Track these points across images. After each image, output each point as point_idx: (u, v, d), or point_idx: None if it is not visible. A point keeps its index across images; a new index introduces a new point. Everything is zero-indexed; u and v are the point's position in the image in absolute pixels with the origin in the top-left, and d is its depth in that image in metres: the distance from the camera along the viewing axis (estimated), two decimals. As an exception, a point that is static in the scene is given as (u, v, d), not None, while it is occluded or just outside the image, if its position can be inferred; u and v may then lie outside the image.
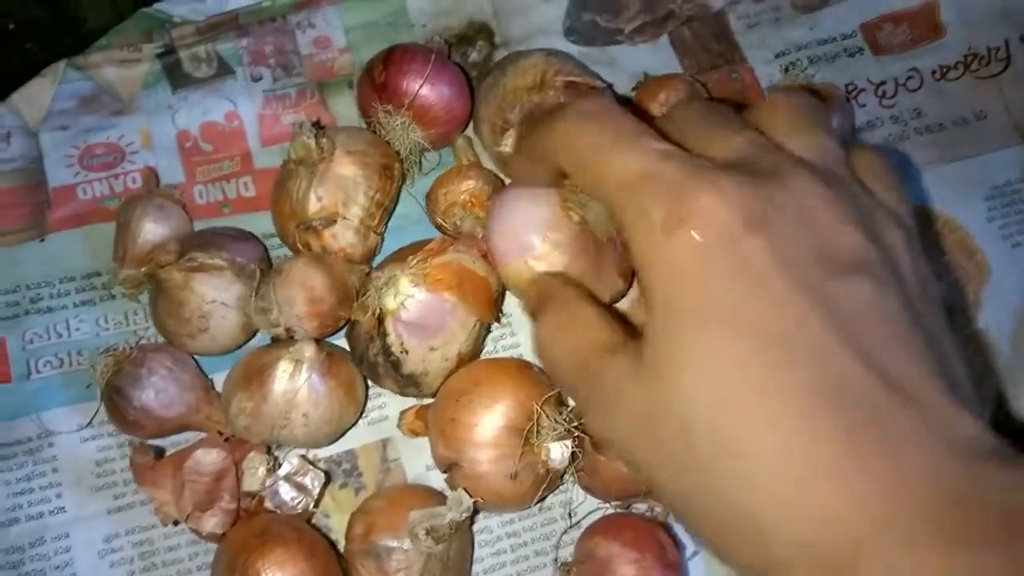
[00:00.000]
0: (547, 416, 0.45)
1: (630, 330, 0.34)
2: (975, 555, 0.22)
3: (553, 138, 0.36)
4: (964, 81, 0.63)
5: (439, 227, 0.53)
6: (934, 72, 0.63)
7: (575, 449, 0.45)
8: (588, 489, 0.49)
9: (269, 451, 0.47)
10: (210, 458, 0.44)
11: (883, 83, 0.62)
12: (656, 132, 0.33)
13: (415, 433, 0.50)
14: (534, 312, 0.39)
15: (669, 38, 0.63)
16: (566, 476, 0.48)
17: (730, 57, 0.63)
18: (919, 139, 0.61)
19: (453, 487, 0.46)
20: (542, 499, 0.48)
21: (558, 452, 0.45)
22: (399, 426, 0.51)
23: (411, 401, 0.51)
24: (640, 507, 0.49)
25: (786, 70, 0.62)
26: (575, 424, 0.45)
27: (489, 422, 0.45)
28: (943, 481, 0.24)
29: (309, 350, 0.45)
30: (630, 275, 0.47)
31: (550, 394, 0.45)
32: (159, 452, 0.48)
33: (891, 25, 0.64)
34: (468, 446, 0.45)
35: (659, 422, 0.29)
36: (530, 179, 0.43)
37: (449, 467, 0.46)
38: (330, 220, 0.49)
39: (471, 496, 0.44)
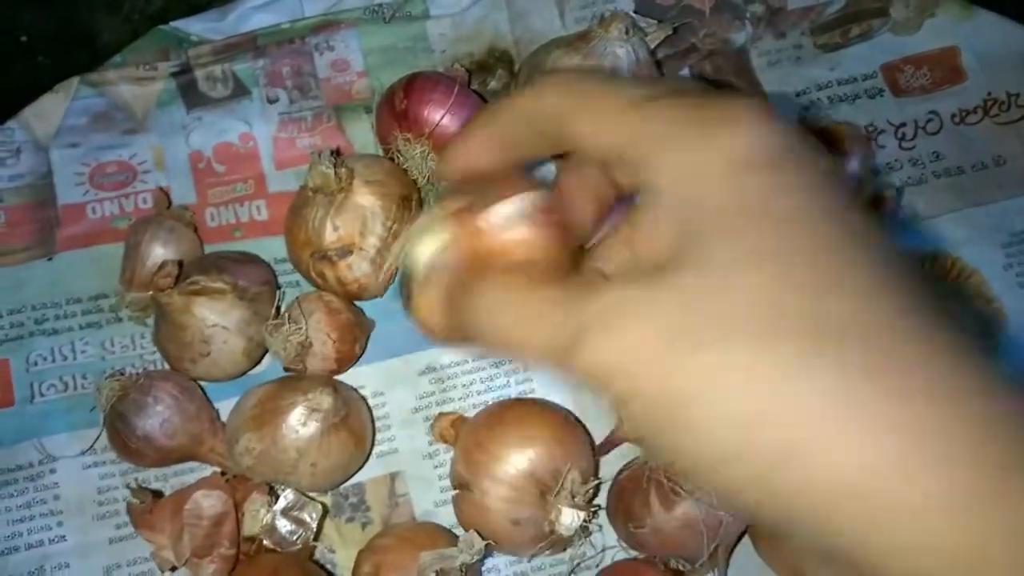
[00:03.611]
0: (573, 480, 0.44)
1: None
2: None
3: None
4: (983, 126, 0.62)
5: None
6: (954, 116, 0.62)
7: (586, 522, 0.44)
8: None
9: (271, 490, 0.46)
10: (210, 501, 0.43)
11: (903, 125, 0.62)
12: None
13: (444, 440, 0.49)
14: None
15: (690, 72, 0.63)
16: (571, 545, 0.47)
17: (750, 94, 0.62)
18: (937, 182, 0.61)
19: (457, 508, 0.45)
20: (550, 549, 0.47)
21: (568, 518, 0.44)
22: (432, 428, 0.50)
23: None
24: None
25: (806, 109, 0.61)
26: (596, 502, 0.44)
27: (515, 462, 0.44)
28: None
29: (327, 401, 0.44)
30: None
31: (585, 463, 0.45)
32: (157, 493, 0.47)
33: (912, 67, 0.63)
34: (485, 475, 0.44)
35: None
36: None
37: (460, 486, 0.46)
38: (346, 251, 0.49)
39: (480, 535, 0.43)
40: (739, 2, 0.64)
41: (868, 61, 0.63)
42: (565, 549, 0.47)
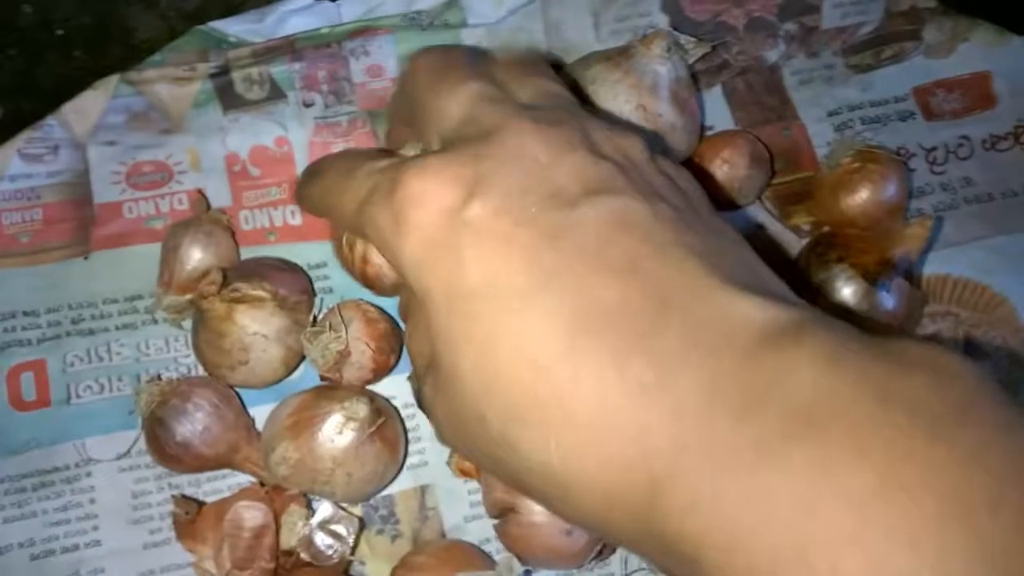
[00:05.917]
0: None
1: None
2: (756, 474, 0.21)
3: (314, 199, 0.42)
4: (1014, 153, 0.63)
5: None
6: (984, 141, 0.63)
7: None
8: None
9: (308, 504, 0.46)
10: (252, 513, 0.43)
11: (934, 149, 0.62)
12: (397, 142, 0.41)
13: (464, 474, 0.49)
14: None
15: (723, 88, 0.63)
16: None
17: (782, 112, 0.63)
18: (968, 208, 0.61)
19: (503, 535, 0.45)
20: (598, 556, 0.47)
21: None
22: (448, 463, 0.50)
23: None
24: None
25: (840, 130, 0.61)
26: None
27: None
28: (717, 390, 0.23)
29: (363, 410, 0.44)
30: None
31: None
32: (199, 503, 0.47)
33: (943, 91, 0.64)
34: None
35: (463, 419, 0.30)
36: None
37: (502, 512, 0.45)
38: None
39: (522, 555, 0.43)
40: (773, 20, 0.64)
41: (900, 83, 0.64)
42: (614, 552, 0.47)
